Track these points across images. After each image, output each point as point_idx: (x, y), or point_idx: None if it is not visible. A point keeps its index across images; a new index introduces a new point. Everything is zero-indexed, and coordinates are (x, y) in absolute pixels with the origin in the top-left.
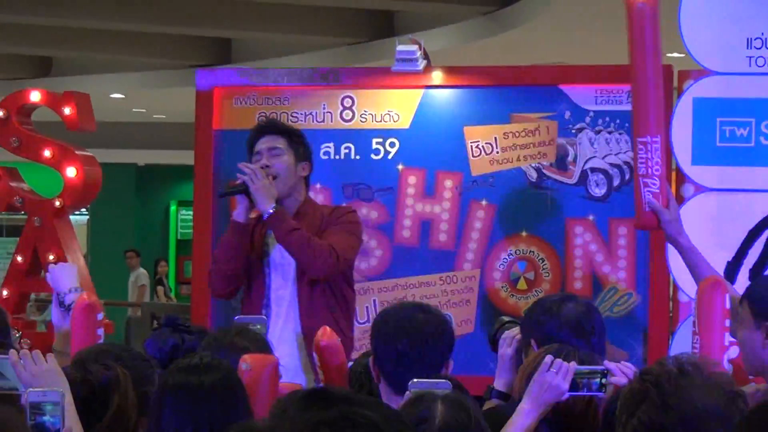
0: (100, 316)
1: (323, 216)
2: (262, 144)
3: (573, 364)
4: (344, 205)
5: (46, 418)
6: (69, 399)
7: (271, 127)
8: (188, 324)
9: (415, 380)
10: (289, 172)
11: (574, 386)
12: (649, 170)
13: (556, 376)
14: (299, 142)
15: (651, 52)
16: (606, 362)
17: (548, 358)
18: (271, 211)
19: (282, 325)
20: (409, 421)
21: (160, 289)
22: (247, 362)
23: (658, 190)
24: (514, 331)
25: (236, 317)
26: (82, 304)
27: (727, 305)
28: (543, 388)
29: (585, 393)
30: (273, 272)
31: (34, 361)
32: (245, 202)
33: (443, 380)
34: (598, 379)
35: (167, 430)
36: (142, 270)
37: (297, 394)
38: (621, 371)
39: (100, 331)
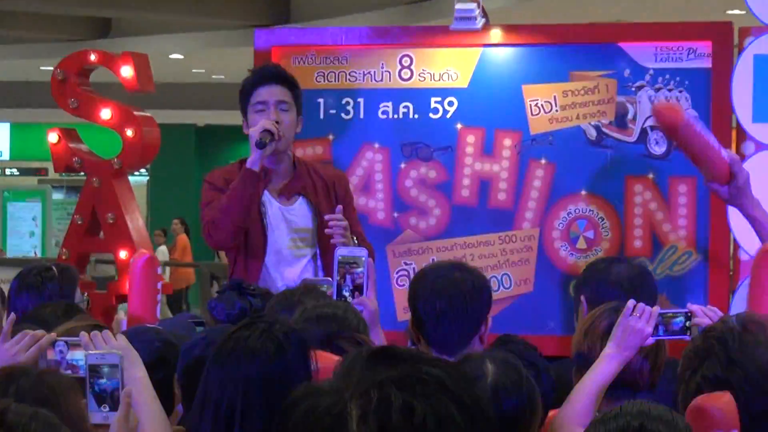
0: (159, 270)
1: (327, 182)
2: (270, 95)
3: (657, 308)
4: (332, 166)
5: (104, 381)
6: (142, 373)
7: (279, 77)
8: (253, 286)
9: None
10: (292, 129)
11: (657, 329)
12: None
13: (639, 319)
14: (299, 95)
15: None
16: (689, 304)
17: (631, 302)
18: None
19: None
20: (473, 378)
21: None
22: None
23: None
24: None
25: (303, 277)
26: (142, 258)
27: (698, 127)
28: (627, 332)
29: (669, 336)
30: (272, 225)
31: (105, 341)
32: (259, 151)
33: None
34: (681, 322)
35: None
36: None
37: (362, 353)
38: (705, 314)
39: (159, 285)
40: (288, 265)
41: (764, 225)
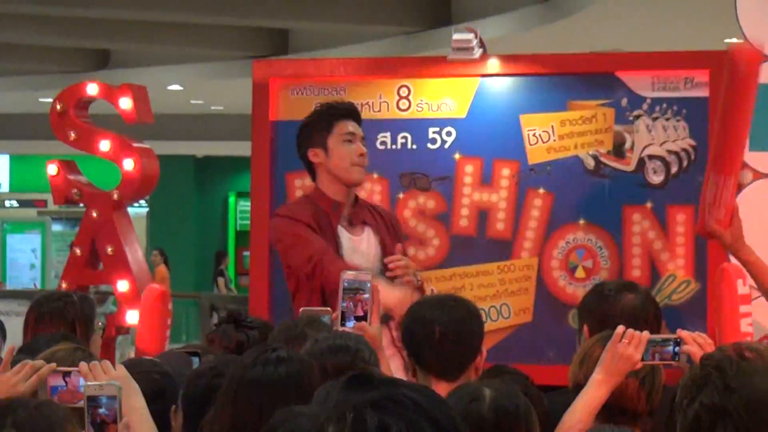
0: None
1: (385, 218)
2: (355, 129)
3: (646, 333)
4: (384, 207)
5: (102, 410)
6: (141, 404)
7: (357, 114)
8: (250, 319)
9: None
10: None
11: (646, 356)
12: (718, 201)
13: (628, 345)
14: None
15: (750, 106)
16: (679, 330)
17: (620, 328)
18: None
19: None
20: (453, 406)
21: (221, 280)
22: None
23: (722, 218)
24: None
25: (303, 308)
26: (155, 292)
27: (741, 290)
28: (616, 358)
29: (658, 362)
30: (345, 256)
31: (103, 371)
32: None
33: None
34: (671, 348)
35: (243, 423)
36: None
37: (340, 379)
38: (694, 340)
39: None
40: None
41: (761, 269)
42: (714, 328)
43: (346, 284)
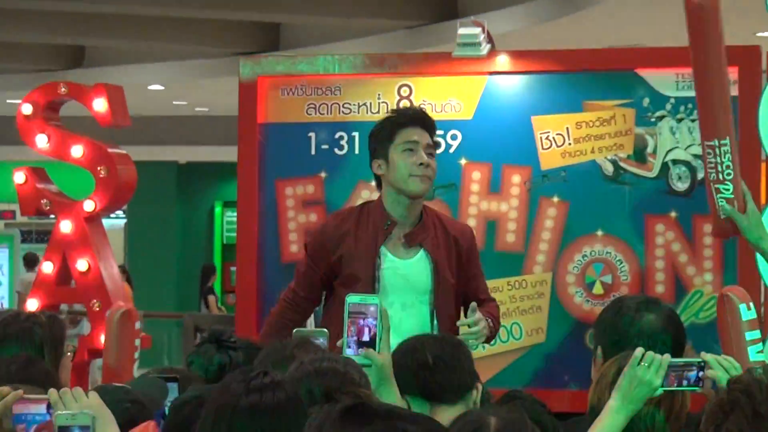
0: (138, 325)
1: (450, 235)
2: (420, 136)
3: (666, 356)
4: (459, 221)
5: None
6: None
7: (425, 120)
8: (233, 338)
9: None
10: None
11: (667, 381)
12: (720, 175)
13: (648, 370)
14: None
15: (713, 51)
16: (703, 353)
17: (638, 350)
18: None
19: None
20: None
21: (211, 298)
22: None
23: (732, 195)
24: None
25: (296, 329)
26: (118, 310)
27: (745, 317)
28: (633, 383)
29: (680, 388)
30: (383, 281)
31: (74, 399)
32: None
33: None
34: (694, 373)
35: None
36: None
37: (334, 409)
38: (720, 364)
39: (137, 342)
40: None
41: None
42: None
43: (351, 308)
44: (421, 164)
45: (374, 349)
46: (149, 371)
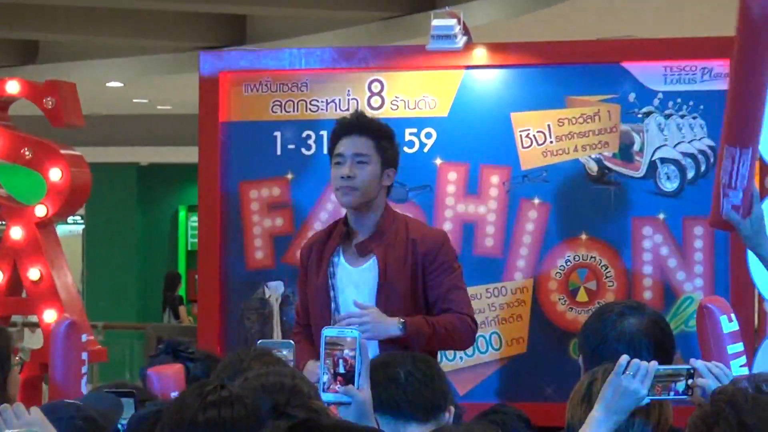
0: (84, 337)
1: (409, 240)
2: (347, 147)
3: (653, 364)
4: (430, 226)
5: None
6: None
7: (358, 127)
8: (192, 349)
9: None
10: (372, 183)
11: (653, 390)
12: (733, 182)
13: (633, 379)
14: (388, 145)
15: (761, 66)
16: (692, 360)
17: (623, 357)
18: (400, 333)
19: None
20: None
21: (182, 309)
22: None
23: (739, 203)
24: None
25: (259, 341)
26: (64, 323)
27: (726, 329)
28: (618, 392)
29: (667, 398)
30: (338, 287)
31: (15, 416)
32: None
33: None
34: (683, 381)
35: None
36: None
37: (280, 426)
38: (710, 371)
39: (85, 355)
40: None
41: None
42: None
43: (327, 338)
44: (342, 177)
45: (353, 383)
46: (101, 386)
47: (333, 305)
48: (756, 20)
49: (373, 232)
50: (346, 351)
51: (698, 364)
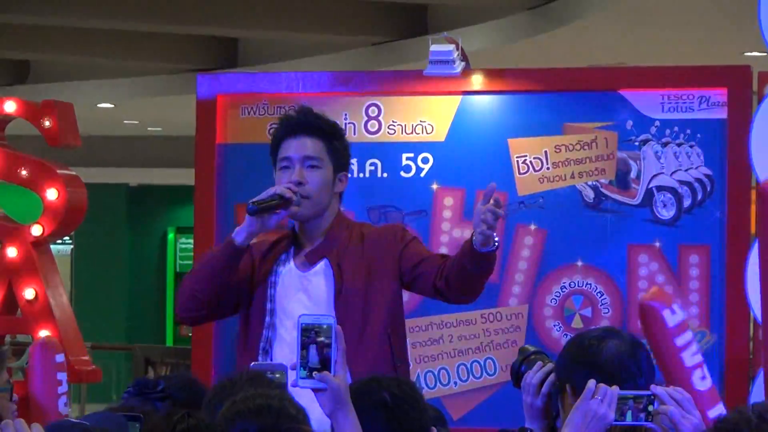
0: (60, 358)
1: (364, 239)
2: (295, 149)
3: (615, 389)
4: (387, 224)
5: None
6: None
7: (306, 126)
8: (162, 387)
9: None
10: (326, 189)
11: (618, 415)
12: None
13: (601, 403)
14: (340, 146)
15: None
16: (653, 386)
17: (591, 382)
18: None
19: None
20: None
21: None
22: None
23: None
24: (540, 375)
25: (252, 363)
26: (38, 344)
27: (672, 323)
28: (588, 417)
29: (634, 423)
30: (280, 293)
31: None
32: (254, 224)
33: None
34: (644, 406)
35: None
36: None
37: None
38: (671, 397)
39: (61, 376)
40: None
41: None
42: (732, 386)
43: (303, 325)
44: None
45: (328, 370)
46: (109, 407)
47: (267, 318)
48: None
49: (323, 240)
50: (321, 338)
51: (659, 389)
